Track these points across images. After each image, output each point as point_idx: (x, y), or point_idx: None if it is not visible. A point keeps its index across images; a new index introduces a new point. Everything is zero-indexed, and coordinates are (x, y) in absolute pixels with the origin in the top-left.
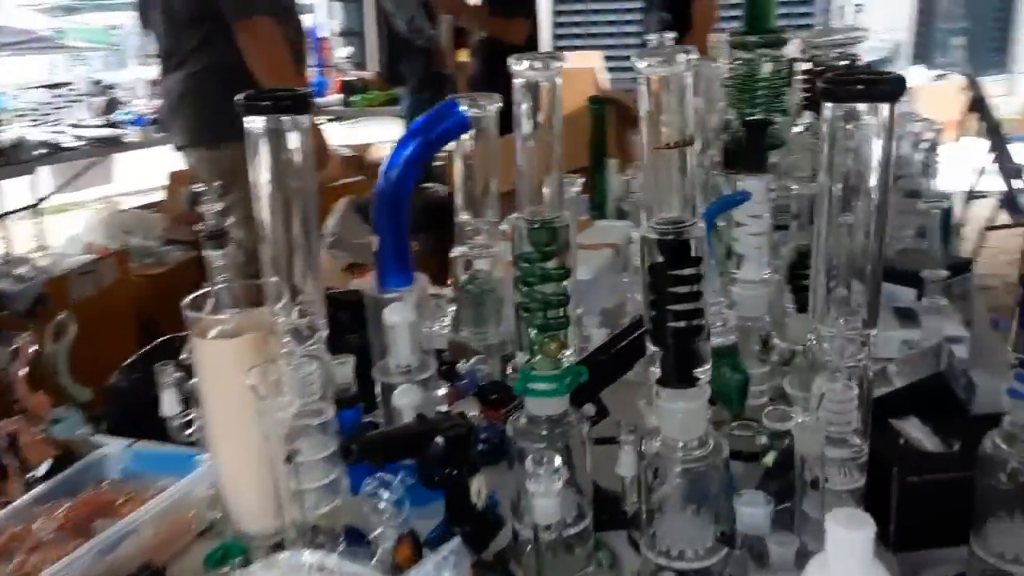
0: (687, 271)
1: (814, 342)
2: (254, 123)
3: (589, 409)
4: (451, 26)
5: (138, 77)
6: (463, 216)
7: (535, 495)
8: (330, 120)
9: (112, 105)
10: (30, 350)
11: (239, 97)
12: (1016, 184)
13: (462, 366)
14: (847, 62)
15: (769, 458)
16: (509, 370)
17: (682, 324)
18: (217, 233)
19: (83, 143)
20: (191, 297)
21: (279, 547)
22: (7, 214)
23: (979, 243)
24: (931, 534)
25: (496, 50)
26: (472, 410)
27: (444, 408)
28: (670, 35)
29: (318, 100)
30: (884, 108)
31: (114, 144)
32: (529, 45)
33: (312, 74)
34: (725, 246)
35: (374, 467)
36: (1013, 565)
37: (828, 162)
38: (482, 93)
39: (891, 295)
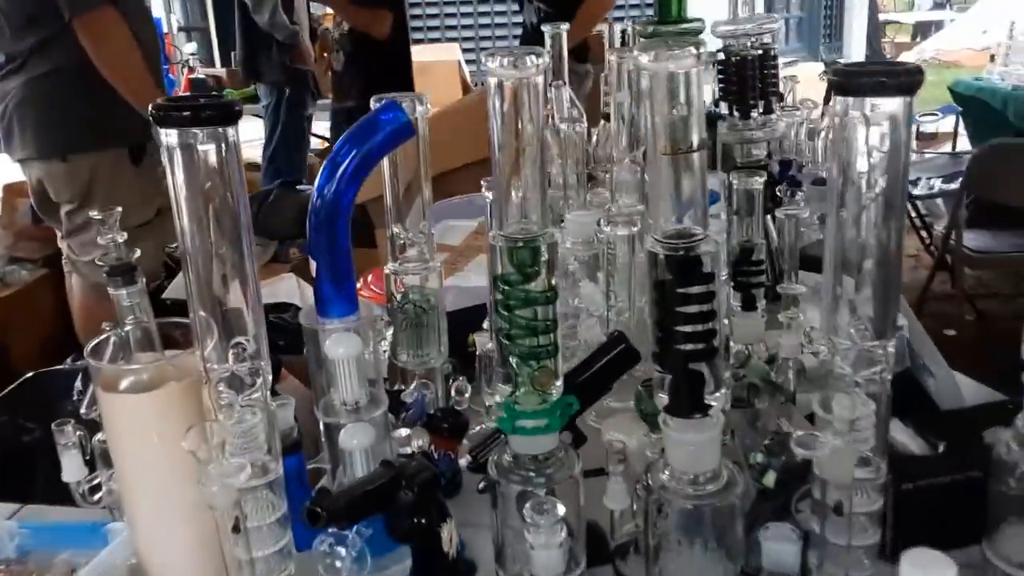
0: (698, 289)
1: (827, 355)
2: (168, 137)
3: (565, 437)
4: (309, 21)
5: None
6: (393, 229)
7: (535, 547)
8: None
9: None
10: None
11: (152, 107)
12: None
13: (407, 394)
14: (760, 52)
15: (769, 479)
16: (453, 393)
17: (692, 347)
18: (123, 268)
19: None
20: (93, 343)
21: None
22: None
23: None
24: (928, 540)
25: (362, 44)
26: (419, 440)
27: (408, 449)
28: (564, 26)
29: None
30: (899, 102)
31: None
32: (397, 39)
33: None
34: None
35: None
36: None
37: (839, 161)
38: (407, 92)
39: (816, 286)
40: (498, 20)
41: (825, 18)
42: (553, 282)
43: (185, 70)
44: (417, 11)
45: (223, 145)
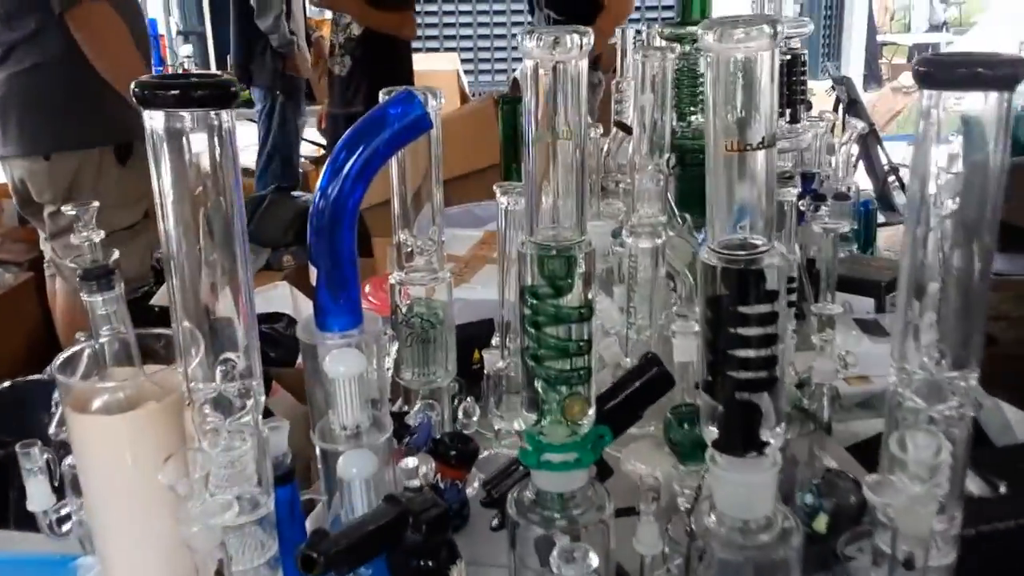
0: (760, 308)
1: (896, 386)
2: (153, 120)
3: (591, 470)
4: (306, 28)
5: None
6: (401, 235)
7: None
8: None
9: None
10: None
11: (135, 84)
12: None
13: (412, 417)
14: (788, 58)
15: (820, 523)
16: (460, 415)
17: (749, 375)
18: (99, 271)
19: None
20: (61, 358)
21: None
22: None
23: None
24: None
25: (373, 48)
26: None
27: (415, 483)
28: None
29: None
30: (996, 97)
31: None
32: (404, 45)
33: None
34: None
35: None
36: None
37: (919, 167)
38: (423, 87)
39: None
40: (497, 31)
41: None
42: (590, 297)
43: (181, 71)
44: (416, 20)
45: (216, 131)
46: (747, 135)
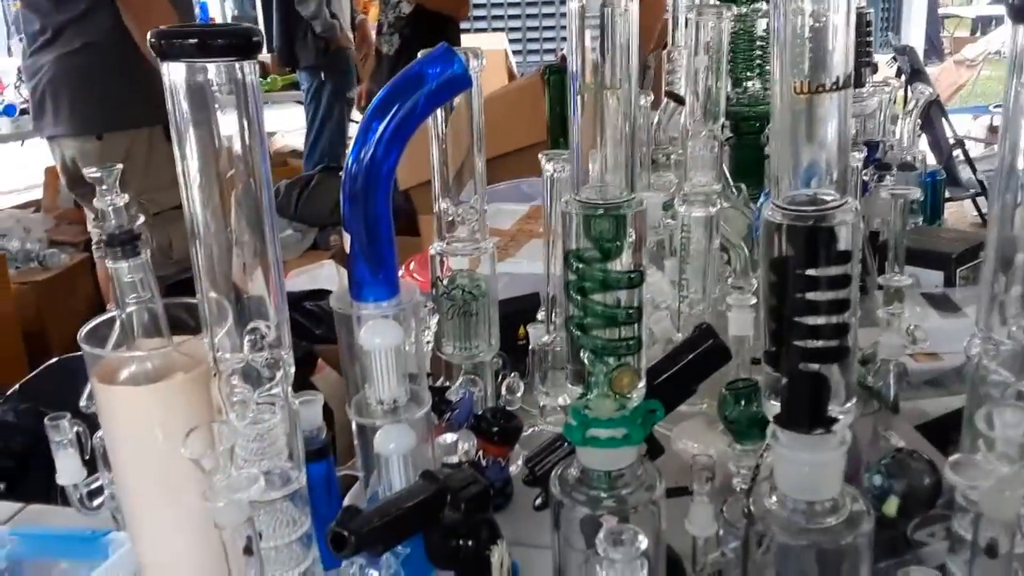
0: (831, 271)
1: (978, 356)
2: (174, 73)
3: (641, 448)
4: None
5: (8, 61)
6: (442, 204)
7: None
8: None
9: None
10: None
11: (151, 35)
12: (957, 156)
13: (453, 392)
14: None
15: (891, 506)
16: (504, 391)
17: (818, 345)
18: (124, 236)
19: None
20: (88, 327)
21: None
22: None
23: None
24: None
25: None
26: (465, 445)
27: (454, 459)
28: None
29: None
30: None
31: None
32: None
33: None
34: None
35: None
36: None
37: (1010, 121)
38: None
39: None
40: (546, 11)
41: (883, 10)
42: (640, 261)
43: None
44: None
45: (241, 85)
46: (819, 74)
